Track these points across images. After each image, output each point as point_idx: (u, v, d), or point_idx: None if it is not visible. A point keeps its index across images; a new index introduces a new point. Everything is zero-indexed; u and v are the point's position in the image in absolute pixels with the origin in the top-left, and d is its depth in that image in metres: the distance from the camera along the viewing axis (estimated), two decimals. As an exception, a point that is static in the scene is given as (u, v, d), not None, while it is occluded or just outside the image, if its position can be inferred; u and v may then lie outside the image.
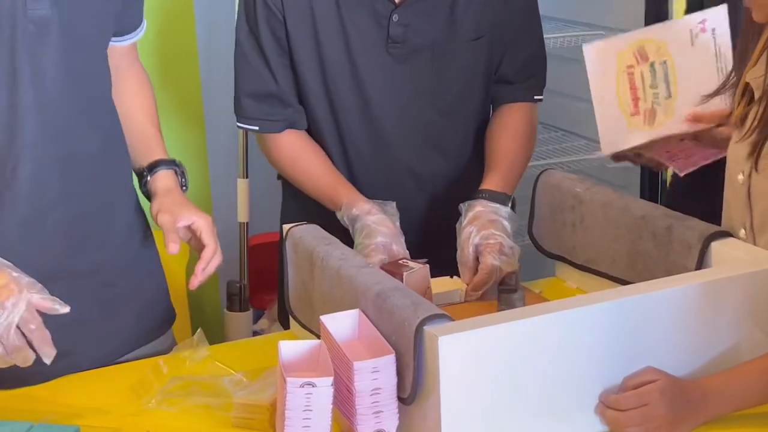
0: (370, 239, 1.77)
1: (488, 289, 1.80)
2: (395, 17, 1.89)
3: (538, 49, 2.05)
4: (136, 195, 1.79)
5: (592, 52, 1.90)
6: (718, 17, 1.87)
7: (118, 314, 1.72)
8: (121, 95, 1.76)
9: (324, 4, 1.89)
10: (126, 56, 1.80)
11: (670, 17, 2.74)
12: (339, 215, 1.85)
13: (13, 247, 1.53)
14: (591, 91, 1.91)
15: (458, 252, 1.81)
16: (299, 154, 1.96)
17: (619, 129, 1.92)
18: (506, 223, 1.82)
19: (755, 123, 1.56)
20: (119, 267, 1.71)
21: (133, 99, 1.81)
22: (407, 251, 1.79)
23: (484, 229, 1.80)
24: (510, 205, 1.88)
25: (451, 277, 1.82)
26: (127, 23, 1.76)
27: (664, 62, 1.90)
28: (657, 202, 2.62)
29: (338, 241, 1.68)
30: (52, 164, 1.58)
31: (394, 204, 1.87)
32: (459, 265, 1.81)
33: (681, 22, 1.96)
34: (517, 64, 2.01)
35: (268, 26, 1.90)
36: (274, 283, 2.16)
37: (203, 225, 1.68)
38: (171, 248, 1.61)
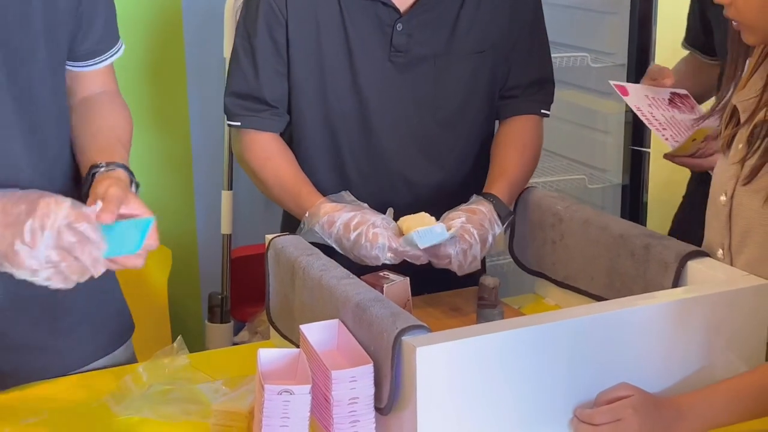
0: (364, 219, 1.74)
1: (469, 303, 1.80)
2: (399, 26, 1.90)
3: (546, 63, 2.06)
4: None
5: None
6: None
7: (70, 333, 1.67)
8: (94, 120, 1.63)
9: (328, 9, 1.90)
10: (101, 83, 1.68)
11: (653, 41, 2.79)
12: (305, 228, 1.80)
13: None
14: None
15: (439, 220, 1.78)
16: (271, 154, 1.94)
17: None
18: (490, 239, 1.80)
19: (758, 145, 1.56)
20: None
21: (109, 127, 1.64)
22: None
23: (470, 223, 1.77)
24: (506, 224, 1.86)
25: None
26: (92, 44, 1.64)
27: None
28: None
29: (320, 252, 1.68)
30: None
31: (348, 192, 1.85)
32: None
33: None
34: (525, 78, 2.02)
35: (267, 28, 1.90)
36: (256, 296, 2.16)
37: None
38: (104, 218, 1.37)
